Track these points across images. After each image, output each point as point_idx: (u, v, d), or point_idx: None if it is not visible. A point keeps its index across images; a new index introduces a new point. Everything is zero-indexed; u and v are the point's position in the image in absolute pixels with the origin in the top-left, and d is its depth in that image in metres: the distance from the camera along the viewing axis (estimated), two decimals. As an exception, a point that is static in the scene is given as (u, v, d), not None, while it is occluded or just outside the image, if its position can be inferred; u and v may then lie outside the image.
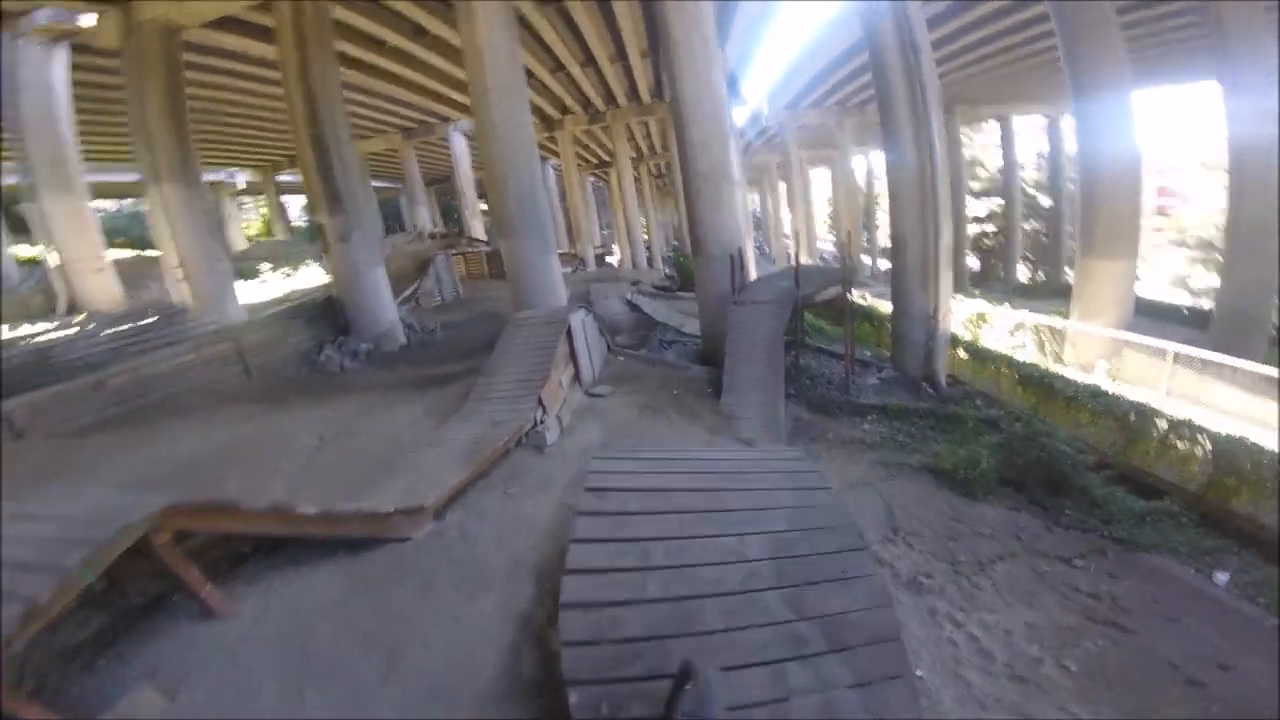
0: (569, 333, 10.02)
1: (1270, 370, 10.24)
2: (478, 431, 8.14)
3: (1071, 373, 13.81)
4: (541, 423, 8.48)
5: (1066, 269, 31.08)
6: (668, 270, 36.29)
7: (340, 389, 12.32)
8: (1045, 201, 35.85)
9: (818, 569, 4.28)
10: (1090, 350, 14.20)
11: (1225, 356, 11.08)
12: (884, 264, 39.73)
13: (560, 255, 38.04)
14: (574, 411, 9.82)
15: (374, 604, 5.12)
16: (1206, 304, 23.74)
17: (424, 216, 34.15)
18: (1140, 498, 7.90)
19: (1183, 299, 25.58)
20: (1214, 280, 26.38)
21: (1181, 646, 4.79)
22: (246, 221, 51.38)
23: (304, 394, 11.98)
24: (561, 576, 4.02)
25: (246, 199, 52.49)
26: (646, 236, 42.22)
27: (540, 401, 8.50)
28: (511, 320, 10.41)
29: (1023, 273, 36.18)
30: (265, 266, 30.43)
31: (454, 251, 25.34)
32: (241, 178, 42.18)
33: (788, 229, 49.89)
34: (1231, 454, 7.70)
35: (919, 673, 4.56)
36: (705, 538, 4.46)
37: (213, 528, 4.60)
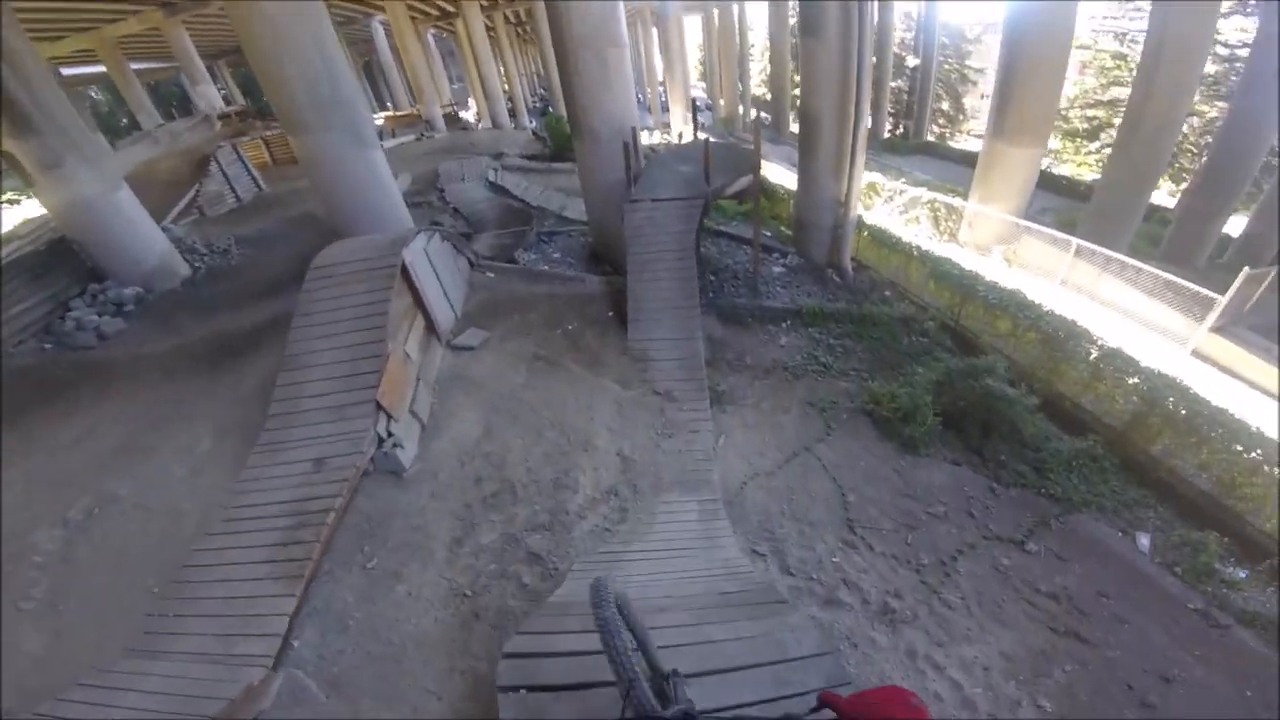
0: (406, 274, 6.65)
1: (1173, 277, 9.78)
2: (295, 484, 5.13)
3: (967, 255, 13.00)
4: (390, 435, 5.51)
5: (933, 129, 30.84)
6: (535, 129, 30.49)
7: (95, 380, 7.82)
8: (911, 61, 34.23)
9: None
10: (988, 233, 13.49)
11: (1130, 258, 10.55)
12: (758, 114, 36.78)
13: (400, 118, 30.82)
14: (436, 386, 6.80)
15: None
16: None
17: (212, 96, 25.64)
18: (1066, 433, 7.42)
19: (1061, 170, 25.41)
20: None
21: (1134, 658, 4.76)
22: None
23: (35, 406, 7.27)
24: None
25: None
26: (506, 89, 35.19)
27: (380, 406, 5.43)
28: (311, 269, 6.51)
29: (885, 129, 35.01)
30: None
31: (247, 138, 18.51)
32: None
33: (660, 77, 44.73)
34: (1158, 394, 6.97)
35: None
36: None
37: None
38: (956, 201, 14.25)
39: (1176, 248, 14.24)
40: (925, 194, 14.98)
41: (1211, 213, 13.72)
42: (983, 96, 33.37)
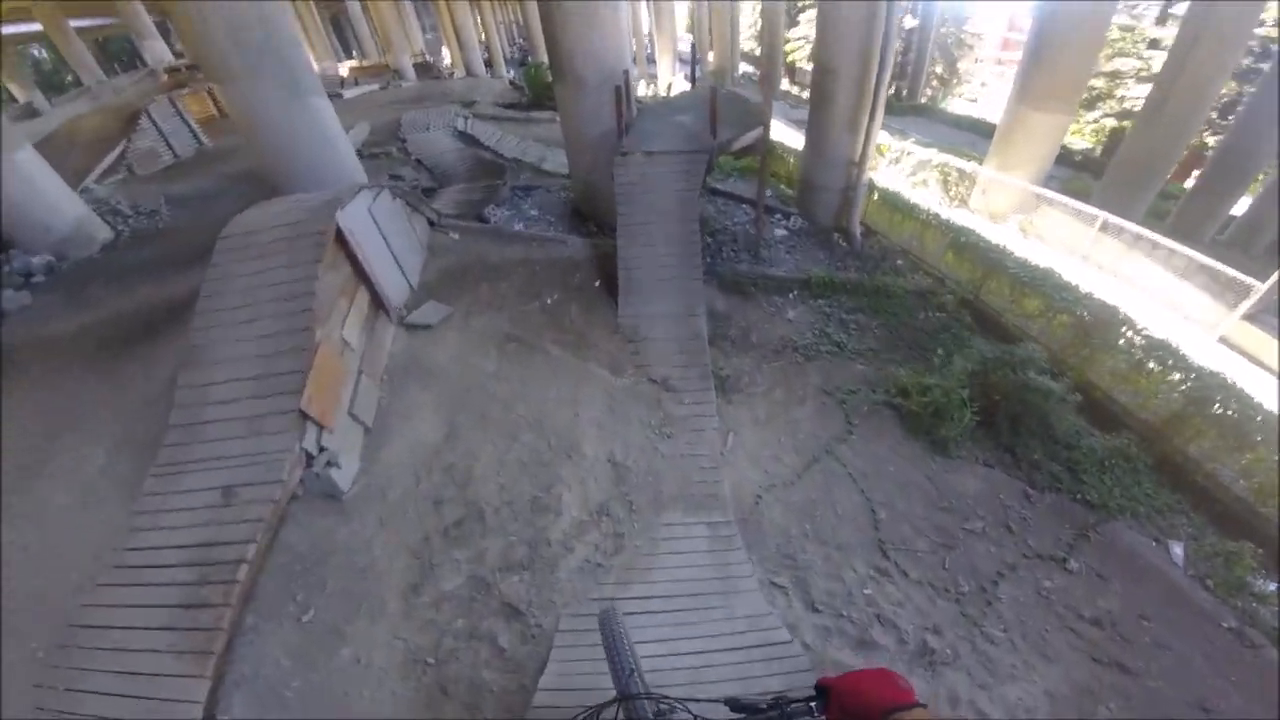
0: (344, 241, 5.27)
1: (1210, 261, 8.94)
2: (199, 521, 3.94)
3: (979, 223, 11.90)
4: (322, 451, 4.27)
5: (927, 91, 29.25)
6: (514, 78, 27.97)
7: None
8: (910, 22, 32.20)
9: None
10: (1004, 201, 12.45)
11: (1163, 237, 9.65)
12: (747, 69, 34.63)
13: (366, 68, 27.93)
14: (385, 378, 5.50)
15: None
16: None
17: (161, 51, 22.91)
18: (1097, 428, 6.57)
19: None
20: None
21: (1174, 687, 4.27)
22: None
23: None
24: None
25: None
26: (483, 37, 32.34)
27: (306, 415, 4.14)
28: (220, 240, 5.09)
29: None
30: None
31: (187, 89, 16.15)
32: None
33: (646, 28, 41.78)
34: (1207, 393, 6.08)
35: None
36: None
37: None
38: (970, 166, 13.02)
39: (1184, 223, 13.65)
40: (936, 156, 13.68)
41: (1223, 192, 13.10)
42: (977, 60, 31.65)
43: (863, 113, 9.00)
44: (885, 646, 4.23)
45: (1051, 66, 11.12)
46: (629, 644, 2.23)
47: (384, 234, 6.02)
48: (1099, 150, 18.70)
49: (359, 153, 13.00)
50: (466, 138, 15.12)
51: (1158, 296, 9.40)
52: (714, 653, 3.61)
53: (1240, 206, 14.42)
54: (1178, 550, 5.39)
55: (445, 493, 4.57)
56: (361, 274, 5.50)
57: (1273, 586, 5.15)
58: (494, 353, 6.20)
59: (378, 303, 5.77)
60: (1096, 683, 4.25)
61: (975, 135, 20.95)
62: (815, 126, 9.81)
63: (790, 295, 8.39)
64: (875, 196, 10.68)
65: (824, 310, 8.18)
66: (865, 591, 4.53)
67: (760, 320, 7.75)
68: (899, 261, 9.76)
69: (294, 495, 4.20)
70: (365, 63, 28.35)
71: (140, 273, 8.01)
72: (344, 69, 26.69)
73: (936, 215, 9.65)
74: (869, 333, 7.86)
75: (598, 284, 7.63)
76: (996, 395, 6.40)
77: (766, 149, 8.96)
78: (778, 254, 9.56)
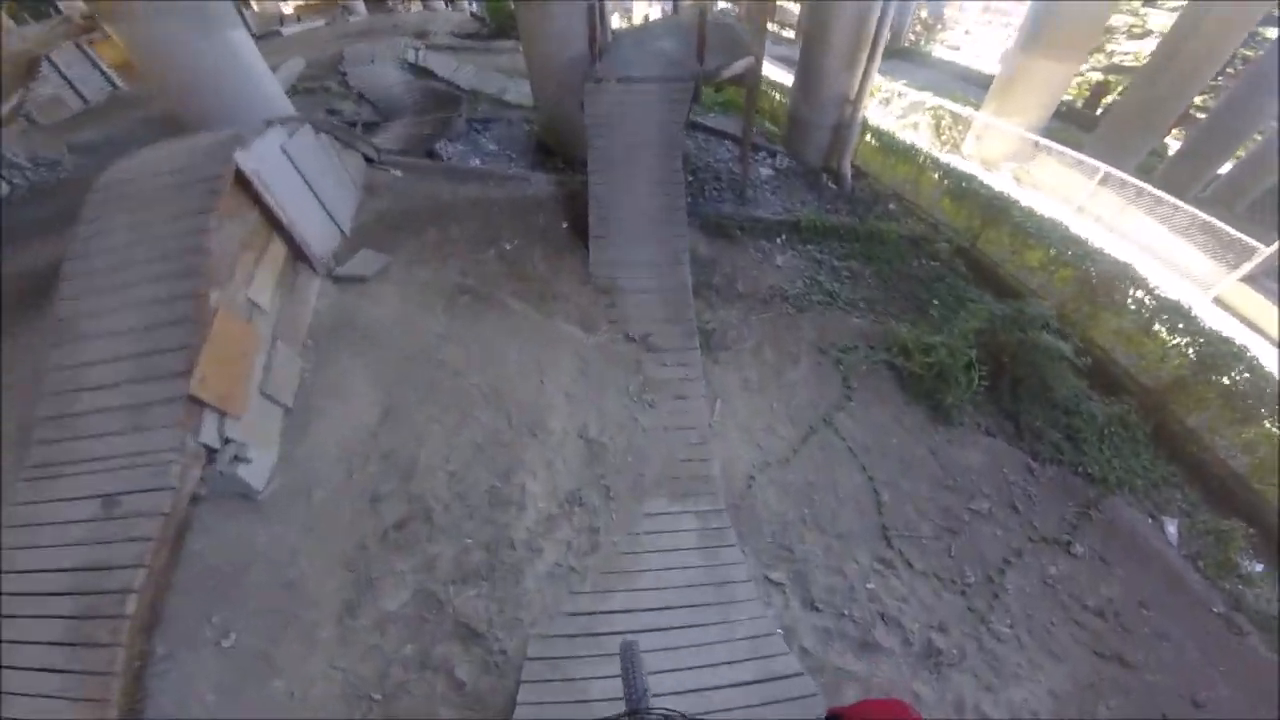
0: (248, 186, 4.23)
1: (1213, 220, 8.43)
2: (78, 537, 3.11)
3: (974, 170, 11.21)
4: (227, 443, 3.45)
5: (910, 36, 27.33)
6: (474, 9, 25.23)
7: None
8: None
9: None
10: (998, 147, 11.73)
11: (1166, 195, 9.08)
12: (724, 4, 32.12)
13: (309, 5, 24.67)
14: (309, 343, 4.61)
15: None
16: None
17: None
18: (1096, 391, 6.12)
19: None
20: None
21: (1170, 679, 4.09)
22: None
23: None
24: None
25: None
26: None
27: (199, 401, 3.29)
28: (92, 192, 3.98)
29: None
30: None
31: (96, 34, 13.78)
32: None
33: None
34: (1219, 360, 5.60)
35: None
36: None
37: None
38: (966, 111, 12.16)
39: (1170, 180, 13.25)
40: (930, 99, 12.74)
41: (1214, 152, 12.63)
42: (961, 9, 29.74)
43: (862, 49, 7.97)
44: (890, 649, 3.80)
45: (1064, 13, 10.25)
46: (644, 671, 2.16)
47: (304, 174, 4.93)
48: (1080, 103, 18.15)
49: (293, 89, 11.50)
50: (417, 69, 13.34)
51: (1155, 253, 9.05)
52: (713, 690, 3.03)
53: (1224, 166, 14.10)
54: (1172, 529, 5.17)
55: (384, 486, 3.82)
56: (274, 222, 4.46)
57: (1259, 568, 4.97)
58: (441, 309, 5.24)
59: (298, 254, 4.75)
60: (1098, 678, 4.02)
61: (962, 82, 19.99)
62: (808, 59, 8.65)
63: (778, 240, 7.59)
64: (868, 138, 9.80)
65: (815, 256, 7.44)
66: (868, 586, 4.05)
67: (747, 266, 6.97)
68: (891, 206, 8.99)
69: (196, 497, 3.41)
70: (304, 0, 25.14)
71: (34, 230, 6.71)
72: (287, 6, 23.64)
73: (936, 159, 8.85)
74: (863, 281, 7.19)
75: (565, 226, 6.67)
76: (1004, 357, 5.87)
77: (756, 81, 7.91)
78: (763, 195, 8.67)
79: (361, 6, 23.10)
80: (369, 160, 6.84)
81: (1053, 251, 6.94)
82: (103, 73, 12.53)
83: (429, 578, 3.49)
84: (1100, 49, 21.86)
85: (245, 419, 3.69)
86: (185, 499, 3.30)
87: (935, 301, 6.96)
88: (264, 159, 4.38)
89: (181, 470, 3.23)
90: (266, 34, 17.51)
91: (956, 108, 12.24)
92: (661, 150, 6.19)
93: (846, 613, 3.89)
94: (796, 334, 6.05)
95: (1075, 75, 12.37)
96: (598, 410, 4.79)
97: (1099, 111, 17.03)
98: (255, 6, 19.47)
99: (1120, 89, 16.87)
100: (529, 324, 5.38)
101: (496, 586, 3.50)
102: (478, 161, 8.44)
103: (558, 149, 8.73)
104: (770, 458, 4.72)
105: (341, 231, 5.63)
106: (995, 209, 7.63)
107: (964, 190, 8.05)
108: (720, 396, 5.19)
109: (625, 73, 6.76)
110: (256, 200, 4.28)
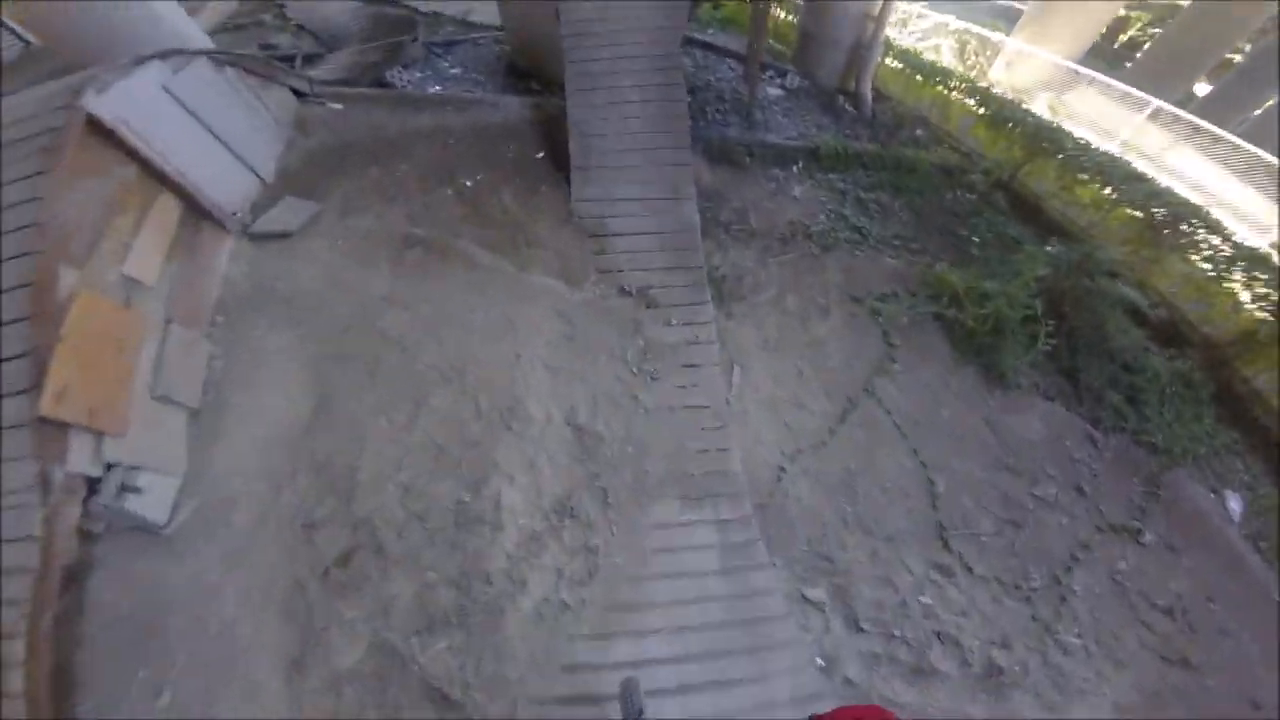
0: (111, 136, 2.95)
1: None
2: None
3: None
4: (109, 468, 2.49)
5: None
6: None
7: None
8: None
9: None
10: (1031, 75, 10.38)
11: (1226, 133, 8.09)
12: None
13: None
14: (217, 322, 3.50)
15: None
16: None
17: None
18: (1154, 342, 5.27)
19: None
20: None
21: (1231, 683, 3.62)
22: None
23: None
24: None
25: None
26: None
27: (54, 423, 2.29)
28: None
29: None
30: None
31: None
32: None
33: None
34: None
35: None
36: None
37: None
38: (995, 36, 10.65)
39: (1208, 115, 12.12)
40: (954, 22, 11.12)
41: (1257, 87, 11.47)
42: None
43: None
44: (946, 673, 3.21)
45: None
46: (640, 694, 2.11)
47: (200, 116, 3.64)
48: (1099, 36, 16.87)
49: (221, 28, 9.54)
50: (368, -2, 11.14)
51: (1208, 194, 8.12)
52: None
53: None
54: (1234, 504, 4.60)
55: (319, 508, 2.91)
56: (159, 176, 3.25)
57: None
58: (386, 265, 4.04)
59: (198, 210, 3.58)
60: (1163, 685, 3.55)
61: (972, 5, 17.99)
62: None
63: (794, 168, 6.38)
64: (890, 58, 8.43)
65: (837, 187, 6.28)
66: (922, 599, 3.37)
67: (760, 199, 5.83)
68: (918, 132, 7.76)
69: (90, 535, 2.51)
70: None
71: None
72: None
73: (973, 83, 7.60)
74: (893, 216, 6.12)
75: (540, 156, 5.41)
76: (1064, 307, 4.99)
77: None
78: (773, 117, 7.30)
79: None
80: (300, 95, 5.39)
81: (1108, 189, 5.96)
82: (11, 29, 10.37)
83: (385, 626, 2.68)
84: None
85: (132, 434, 2.70)
86: (65, 543, 2.40)
87: (975, 240, 5.97)
88: (135, 103, 3.09)
89: (50, 513, 2.30)
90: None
91: (984, 32, 10.80)
92: (657, 64, 4.84)
93: (898, 633, 3.24)
94: (823, 278, 5.05)
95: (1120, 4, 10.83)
96: (588, 387, 3.85)
97: (1115, 45, 15.67)
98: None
99: (1139, 24, 15.60)
100: (498, 279, 4.27)
101: (471, 635, 2.71)
102: (439, 89, 6.93)
103: (533, 69, 7.18)
104: (802, 441, 3.88)
105: (261, 178, 4.36)
106: (1043, 139, 6.52)
107: (1007, 117, 6.88)
108: (738, 363, 4.28)
109: (609, -32, 5.23)
110: (131, 153, 3.05)
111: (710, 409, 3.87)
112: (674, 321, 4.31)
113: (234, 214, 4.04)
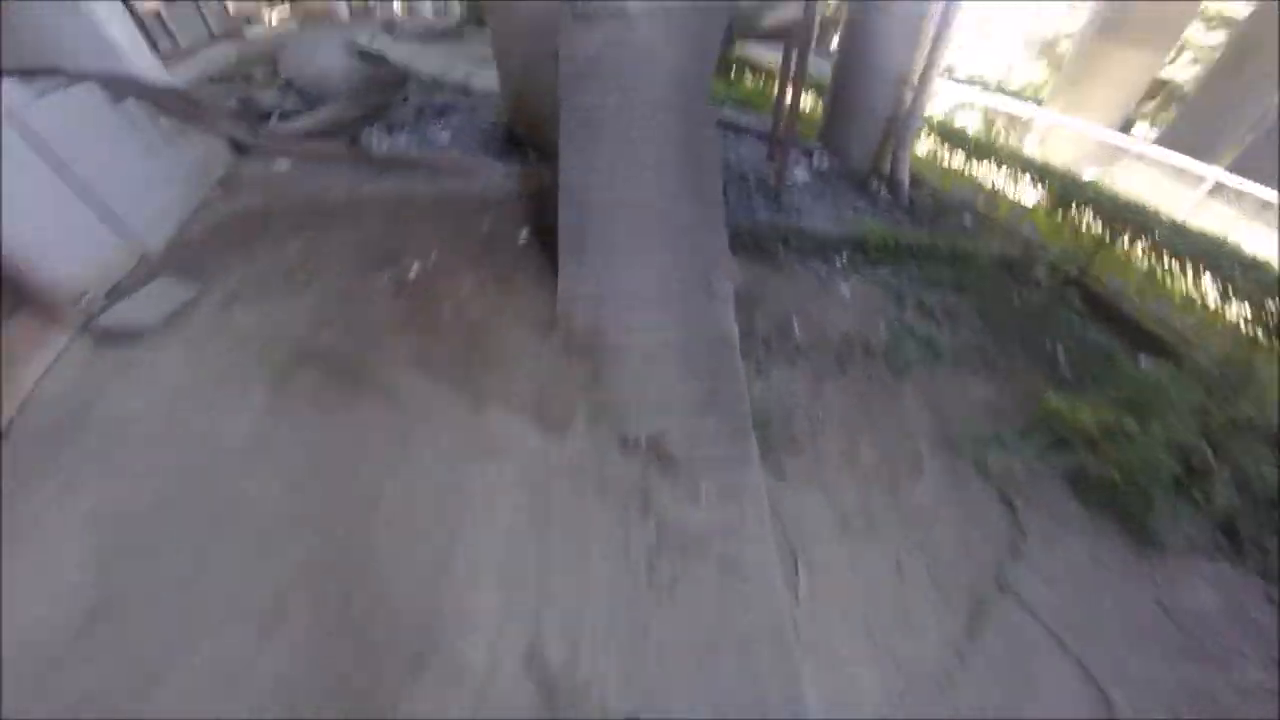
0: None
1: None
2: None
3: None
4: None
5: None
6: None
7: None
8: None
9: None
10: (1068, 151, 9.78)
11: None
12: None
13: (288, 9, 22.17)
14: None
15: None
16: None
17: None
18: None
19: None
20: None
21: None
22: None
23: None
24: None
25: None
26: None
27: None
28: None
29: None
30: None
31: None
32: None
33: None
34: None
35: None
36: None
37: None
38: (1026, 109, 10.30)
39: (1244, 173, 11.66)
40: (979, 97, 10.79)
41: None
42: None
43: (928, 13, 5.77)
44: None
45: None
46: None
47: (57, 158, 2.57)
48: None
49: (209, 80, 9.16)
50: (371, 56, 10.93)
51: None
52: None
53: None
54: None
55: None
56: None
57: None
58: (260, 392, 2.76)
59: (18, 291, 2.34)
60: None
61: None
62: (861, 24, 6.51)
63: (837, 262, 5.36)
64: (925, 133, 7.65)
65: (890, 285, 5.18)
66: None
67: (803, 301, 4.68)
68: (967, 218, 6.79)
69: None
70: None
71: None
72: (270, 11, 20.88)
73: (1030, 159, 6.74)
74: (962, 322, 4.92)
75: (523, 238, 4.25)
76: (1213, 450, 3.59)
77: (751, 68, 5.67)
78: (803, 201, 6.43)
79: (345, 12, 20.70)
80: (240, 148, 4.37)
81: (1216, 280, 4.77)
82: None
83: None
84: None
85: None
86: None
87: (1061, 351, 4.71)
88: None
89: None
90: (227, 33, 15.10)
91: (1012, 104, 10.26)
92: (681, 112, 3.78)
93: None
94: (900, 415, 3.67)
95: (1160, 65, 10.50)
96: (565, 607, 2.31)
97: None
98: (230, 8, 16.91)
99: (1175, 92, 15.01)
100: (434, 422, 2.89)
101: None
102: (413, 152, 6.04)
103: (530, 136, 6.38)
104: (916, 681, 2.26)
105: (143, 247, 3.16)
106: (1129, 221, 5.45)
107: (1080, 196, 5.86)
108: (800, 556, 2.74)
109: (623, -1, 4.38)
110: None
111: (768, 640, 2.29)
112: (704, 492, 2.84)
113: (82, 295, 2.75)
